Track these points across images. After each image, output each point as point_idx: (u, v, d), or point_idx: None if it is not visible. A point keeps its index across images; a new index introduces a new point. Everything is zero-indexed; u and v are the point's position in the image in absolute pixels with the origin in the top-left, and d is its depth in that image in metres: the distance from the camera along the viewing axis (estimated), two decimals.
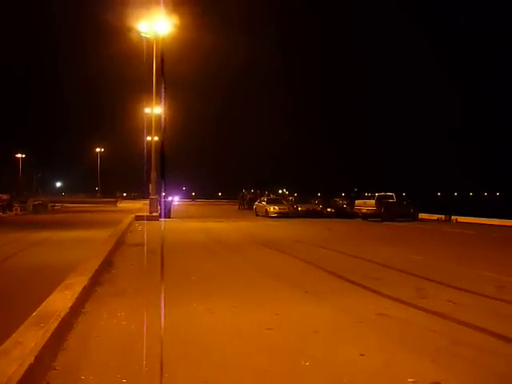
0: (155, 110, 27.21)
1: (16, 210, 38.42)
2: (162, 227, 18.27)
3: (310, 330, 4.90)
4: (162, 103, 25.40)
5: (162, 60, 21.22)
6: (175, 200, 56.65)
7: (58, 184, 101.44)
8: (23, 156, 76.95)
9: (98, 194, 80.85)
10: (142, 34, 24.58)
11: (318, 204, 30.80)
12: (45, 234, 17.02)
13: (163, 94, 23.46)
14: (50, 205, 45.72)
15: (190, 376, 3.71)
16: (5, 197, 45.66)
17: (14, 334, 3.53)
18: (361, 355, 4.16)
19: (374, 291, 6.92)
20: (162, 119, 24.83)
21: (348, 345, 4.46)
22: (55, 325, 3.87)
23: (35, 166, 79.15)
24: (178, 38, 25.55)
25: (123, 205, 53.88)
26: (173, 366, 3.81)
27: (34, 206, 41.34)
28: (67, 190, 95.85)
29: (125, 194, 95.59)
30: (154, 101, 25.92)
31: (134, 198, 75.47)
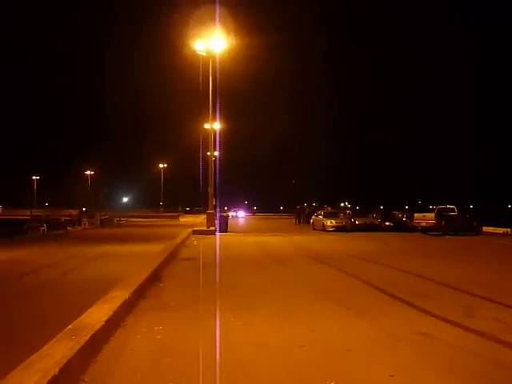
0: (213, 125, 27.91)
1: (84, 224, 40.38)
2: (217, 242, 18.55)
3: (342, 348, 4.80)
4: (213, 119, 25.95)
5: (216, 78, 21.70)
6: (240, 215, 56.64)
7: (124, 199, 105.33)
8: (92, 173, 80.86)
9: (162, 209, 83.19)
10: (199, 53, 25.34)
11: (377, 217, 30.15)
12: (107, 248, 17.77)
13: (217, 110, 23.93)
14: (116, 219, 47.65)
15: None
16: (74, 212, 48.23)
17: (44, 347, 3.71)
18: (390, 376, 4.02)
19: (420, 309, 6.67)
20: (212, 136, 25.38)
21: (379, 365, 4.32)
22: (86, 338, 4.03)
23: (102, 182, 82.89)
24: (235, 55, 26.18)
25: (185, 219, 55.18)
26: (196, 381, 3.87)
27: (100, 220, 43.24)
28: (132, 204, 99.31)
29: (188, 209, 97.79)
30: (210, 117, 26.54)
31: (196, 213, 77.00)
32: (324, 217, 29.20)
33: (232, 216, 55.36)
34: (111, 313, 5.05)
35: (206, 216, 26.95)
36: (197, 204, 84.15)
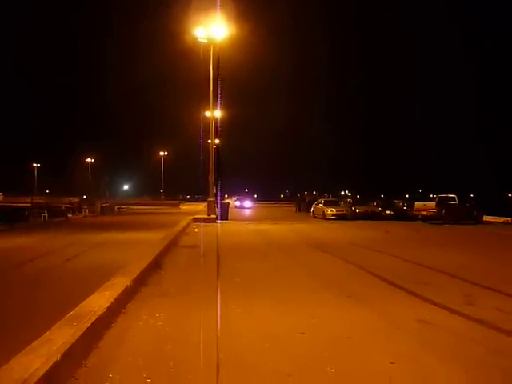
0: (214, 113, 27.79)
1: (85, 211, 40.45)
2: (218, 229, 18.58)
3: (343, 336, 4.81)
4: (214, 106, 25.81)
5: (217, 65, 21.57)
6: (246, 205, 55.08)
7: (125, 187, 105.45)
8: (93, 160, 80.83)
9: (162, 197, 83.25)
10: (200, 40, 25.15)
11: (377, 206, 30.14)
12: (107, 235, 17.82)
13: (219, 98, 23.82)
14: (117, 207, 47.72)
15: (212, 378, 3.76)
16: (75, 200, 48.33)
17: (46, 333, 3.72)
18: (390, 363, 4.03)
19: (420, 297, 6.68)
20: (212, 123, 25.27)
21: (379, 352, 4.34)
22: (88, 324, 4.03)
23: (103, 170, 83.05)
24: (235, 42, 26.00)
25: (186, 207, 55.24)
26: (196, 368, 3.88)
27: (101, 208, 43.33)
28: (133, 192, 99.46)
29: (188, 196, 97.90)
30: (211, 105, 26.41)
31: (196, 201, 77.01)
32: (325, 205, 29.21)
33: (236, 206, 52.82)
34: (112, 300, 5.05)
35: (206, 204, 26.95)
36: (198, 192, 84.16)
